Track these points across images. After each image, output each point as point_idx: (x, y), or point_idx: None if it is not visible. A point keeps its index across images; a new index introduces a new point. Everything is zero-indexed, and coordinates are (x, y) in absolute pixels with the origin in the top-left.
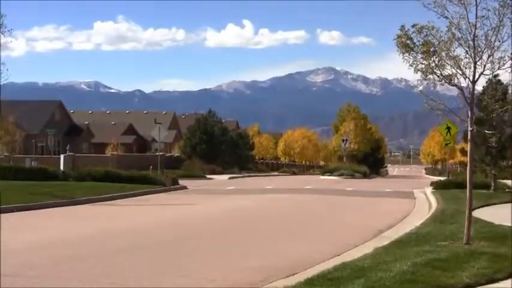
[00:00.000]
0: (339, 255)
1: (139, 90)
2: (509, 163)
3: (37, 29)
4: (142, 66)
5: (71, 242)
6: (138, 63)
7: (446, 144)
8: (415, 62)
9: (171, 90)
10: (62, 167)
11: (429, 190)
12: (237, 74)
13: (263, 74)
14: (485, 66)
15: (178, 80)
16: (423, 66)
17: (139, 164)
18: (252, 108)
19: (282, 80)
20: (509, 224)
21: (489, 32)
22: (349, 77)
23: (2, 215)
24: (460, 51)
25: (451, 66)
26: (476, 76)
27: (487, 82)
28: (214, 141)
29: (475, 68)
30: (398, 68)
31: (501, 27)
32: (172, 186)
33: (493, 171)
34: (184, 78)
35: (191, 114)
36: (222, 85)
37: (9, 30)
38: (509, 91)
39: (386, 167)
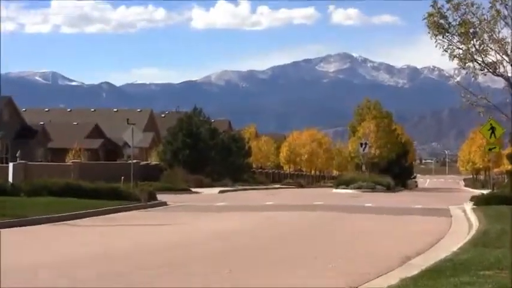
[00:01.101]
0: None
1: (107, 83)
2: None
3: None
4: (112, 53)
5: (19, 269)
6: (106, 50)
7: (490, 150)
8: (450, 46)
9: (147, 83)
10: (10, 179)
11: (469, 206)
12: (229, 62)
13: (262, 63)
14: None
15: (156, 70)
16: (461, 51)
17: (108, 175)
18: (248, 105)
19: (286, 69)
20: None
21: None
22: (369, 65)
23: None
24: (506, 33)
25: (495, 51)
26: None
27: None
28: (201, 146)
29: None
30: (430, 54)
31: None
32: (148, 202)
33: None
34: (164, 67)
35: (172, 113)
36: (211, 76)
37: None
38: None
39: (415, 177)
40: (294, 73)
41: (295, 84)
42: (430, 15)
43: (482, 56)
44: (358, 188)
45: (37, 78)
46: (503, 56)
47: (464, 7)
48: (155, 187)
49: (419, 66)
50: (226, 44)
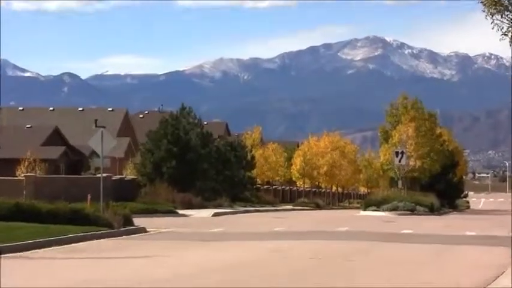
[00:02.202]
0: None
1: (70, 74)
2: None
3: None
4: (76, 36)
5: None
6: (69, 32)
7: None
8: (511, 28)
9: (122, 75)
10: None
11: None
12: (227, 47)
13: (269, 48)
14: None
15: (132, 57)
16: None
17: (71, 193)
18: (251, 103)
19: (300, 57)
20: None
21: None
22: (406, 52)
23: None
24: None
25: None
26: None
27: None
28: (191, 156)
29: None
30: (485, 39)
31: None
32: (123, 228)
33: None
34: (143, 55)
35: (154, 113)
36: (204, 66)
37: None
38: None
39: (466, 196)
40: (309, 62)
41: (311, 77)
42: None
43: None
44: (393, 209)
45: None
46: None
47: None
48: (131, 208)
49: (471, 54)
50: (222, 25)
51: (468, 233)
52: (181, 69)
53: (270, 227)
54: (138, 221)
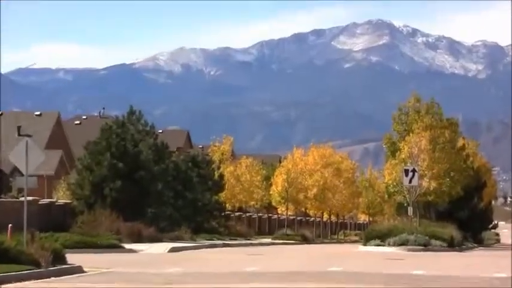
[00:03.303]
0: None
1: None
2: None
3: None
4: None
5: None
6: None
7: None
8: None
9: (53, 68)
10: None
11: None
12: (189, 35)
13: (243, 35)
14: None
15: (66, 46)
16: None
17: None
18: (220, 106)
19: (282, 46)
20: None
21: None
22: (419, 40)
23: None
24: None
25: None
26: None
27: None
28: (141, 175)
29: None
30: None
31: None
32: (53, 268)
33: None
34: (80, 43)
35: (93, 118)
36: (159, 58)
37: None
38: None
39: (496, 227)
40: (295, 53)
41: (297, 72)
42: None
43: None
44: (402, 244)
45: None
46: None
47: None
48: (64, 242)
49: (503, 43)
50: (182, 6)
51: (498, 275)
52: (128, 61)
53: (241, 267)
54: (73, 258)
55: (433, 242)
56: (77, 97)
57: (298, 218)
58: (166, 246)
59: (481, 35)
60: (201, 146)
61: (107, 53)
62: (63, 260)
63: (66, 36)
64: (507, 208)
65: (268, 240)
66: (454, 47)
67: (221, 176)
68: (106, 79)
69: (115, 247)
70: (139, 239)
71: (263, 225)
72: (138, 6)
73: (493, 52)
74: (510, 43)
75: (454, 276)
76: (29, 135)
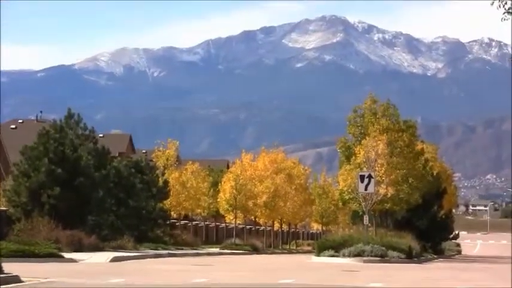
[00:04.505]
0: None
1: None
2: None
3: None
4: None
5: None
6: None
7: None
8: None
9: None
10: None
11: None
12: (130, 34)
13: (188, 34)
14: None
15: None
16: None
17: None
18: (164, 109)
19: (230, 45)
20: None
21: None
22: (376, 37)
23: None
24: None
25: None
26: None
27: None
28: (81, 181)
29: None
30: (482, 19)
31: None
32: None
33: None
34: (15, 43)
35: (30, 122)
36: (100, 58)
37: None
38: None
39: (457, 237)
40: (243, 52)
41: (246, 72)
42: None
43: None
44: (357, 255)
45: None
46: None
47: None
48: (0, 250)
49: (464, 40)
50: (123, 3)
51: None
52: (67, 62)
53: (187, 278)
54: (9, 267)
55: (391, 253)
56: (12, 100)
57: (248, 227)
58: (108, 255)
59: (441, 31)
60: (144, 151)
61: (44, 53)
62: None
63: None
64: (469, 217)
65: (216, 250)
66: (412, 44)
67: (166, 183)
68: (43, 81)
69: (54, 256)
70: (79, 248)
71: (210, 234)
72: (76, 3)
73: (453, 49)
74: (472, 39)
75: None
76: None
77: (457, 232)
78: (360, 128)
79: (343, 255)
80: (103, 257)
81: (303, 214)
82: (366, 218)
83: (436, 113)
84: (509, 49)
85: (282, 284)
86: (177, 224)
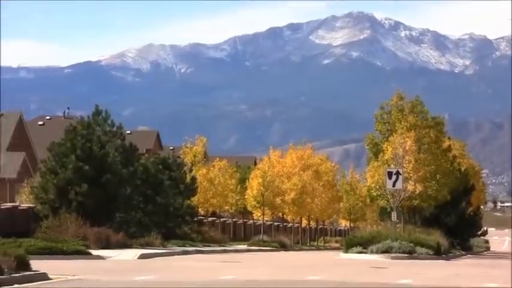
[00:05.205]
0: None
1: None
2: None
3: None
4: None
5: None
6: None
7: None
8: None
9: (14, 67)
10: None
11: None
12: (157, 30)
13: (215, 31)
14: None
15: (28, 44)
16: None
17: None
18: (191, 105)
19: (257, 42)
20: None
21: None
22: (403, 34)
23: None
24: None
25: None
26: None
27: None
28: (108, 178)
29: None
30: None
31: None
32: (16, 274)
33: None
34: (42, 39)
35: (57, 119)
36: (127, 55)
37: None
38: None
39: (485, 233)
40: (270, 49)
41: (273, 69)
42: None
43: None
44: (385, 251)
45: None
46: None
47: None
48: (28, 247)
49: (491, 37)
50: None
51: (487, 286)
52: (94, 59)
53: (214, 275)
54: (37, 265)
55: (419, 249)
56: (39, 97)
57: (275, 224)
58: (135, 252)
59: (468, 28)
60: (172, 148)
61: (71, 50)
62: (27, 267)
63: (27, 33)
64: (497, 213)
65: (243, 246)
66: (439, 41)
67: (193, 179)
68: (70, 78)
69: (82, 253)
70: (107, 245)
71: (238, 231)
72: (102, 0)
73: (481, 46)
74: (499, 36)
75: (446, 287)
76: None
77: (485, 229)
78: (387, 124)
79: (371, 252)
80: (131, 254)
81: (330, 211)
82: (394, 215)
83: (464, 109)
84: None
85: (310, 281)
86: (204, 220)
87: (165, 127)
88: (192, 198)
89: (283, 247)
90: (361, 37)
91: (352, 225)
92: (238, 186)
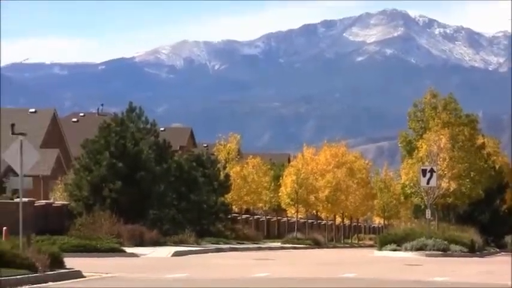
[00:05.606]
0: None
1: None
2: None
3: None
4: None
5: None
6: None
7: None
8: None
9: (47, 63)
10: None
11: None
12: (191, 27)
13: (249, 28)
14: None
15: (61, 40)
16: None
17: None
18: (225, 102)
19: (290, 39)
20: None
21: None
22: (437, 31)
23: None
24: None
25: None
26: None
27: None
28: (142, 175)
29: None
30: None
31: None
32: (50, 272)
33: None
34: (75, 36)
35: (91, 116)
36: (160, 51)
37: None
38: None
39: None
40: (304, 45)
41: (307, 66)
42: None
43: None
44: (419, 249)
45: None
46: None
47: None
48: (62, 245)
49: None
50: None
51: None
52: (128, 55)
53: (248, 272)
54: (71, 262)
55: (453, 247)
56: (73, 93)
57: (309, 221)
58: (169, 250)
59: (503, 25)
60: (205, 145)
61: (104, 46)
62: (61, 264)
63: (61, 29)
64: None
65: (277, 244)
66: (473, 39)
67: (227, 177)
68: (104, 74)
69: (116, 251)
70: (141, 242)
71: (272, 229)
72: None
73: None
74: None
75: (482, 284)
76: (23, 134)
77: None
78: (420, 122)
79: (405, 249)
80: (165, 252)
81: (364, 208)
82: (428, 212)
83: (498, 107)
84: None
85: (345, 278)
86: (238, 218)
87: (199, 124)
88: (226, 196)
89: (317, 245)
90: (395, 34)
91: (386, 222)
92: (272, 184)
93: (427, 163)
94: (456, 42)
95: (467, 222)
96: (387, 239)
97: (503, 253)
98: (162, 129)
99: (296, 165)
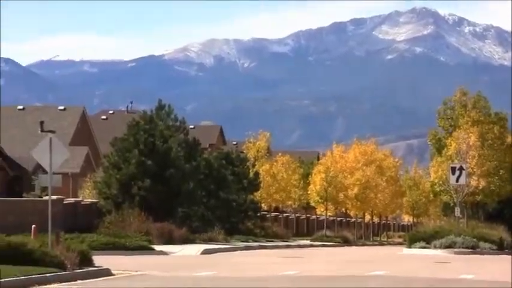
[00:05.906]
0: None
1: (6, 60)
2: None
3: None
4: (11, 7)
5: None
6: None
7: None
8: None
9: (77, 60)
10: None
11: None
12: (221, 24)
13: (278, 26)
14: None
15: (91, 37)
16: None
17: (7, 221)
18: (254, 100)
19: (320, 36)
20: None
21: None
22: (466, 30)
23: None
24: None
25: None
26: None
27: None
28: (171, 173)
29: None
30: None
31: None
32: (79, 270)
33: None
34: (105, 33)
35: (120, 113)
36: (190, 49)
37: None
38: None
39: None
40: (334, 44)
41: (336, 64)
42: None
43: None
44: (448, 246)
45: None
46: None
47: None
48: (91, 243)
49: None
50: None
51: None
52: (157, 53)
53: (277, 270)
54: (100, 260)
55: (482, 244)
56: (102, 91)
57: (338, 219)
58: (198, 248)
59: None
60: (235, 143)
61: (134, 44)
62: (90, 262)
63: (90, 27)
64: None
65: (306, 242)
66: (502, 37)
67: (256, 175)
68: (133, 72)
69: (145, 249)
70: (170, 240)
71: (301, 226)
72: None
73: None
74: None
75: (507, 281)
76: (52, 131)
77: None
78: (450, 120)
79: (435, 247)
80: (194, 250)
81: (393, 206)
82: (457, 210)
83: None
84: None
85: (375, 276)
86: (267, 216)
87: (228, 122)
88: (255, 194)
89: (346, 242)
90: (425, 32)
91: (415, 220)
92: (301, 182)
93: (456, 161)
94: (486, 41)
95: (496, 220)
96: (416, 237)
97: None
98: (191, 127)
99: (325, 163)
